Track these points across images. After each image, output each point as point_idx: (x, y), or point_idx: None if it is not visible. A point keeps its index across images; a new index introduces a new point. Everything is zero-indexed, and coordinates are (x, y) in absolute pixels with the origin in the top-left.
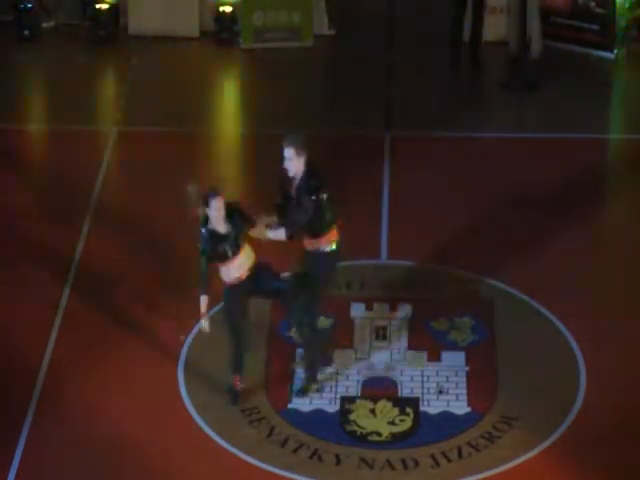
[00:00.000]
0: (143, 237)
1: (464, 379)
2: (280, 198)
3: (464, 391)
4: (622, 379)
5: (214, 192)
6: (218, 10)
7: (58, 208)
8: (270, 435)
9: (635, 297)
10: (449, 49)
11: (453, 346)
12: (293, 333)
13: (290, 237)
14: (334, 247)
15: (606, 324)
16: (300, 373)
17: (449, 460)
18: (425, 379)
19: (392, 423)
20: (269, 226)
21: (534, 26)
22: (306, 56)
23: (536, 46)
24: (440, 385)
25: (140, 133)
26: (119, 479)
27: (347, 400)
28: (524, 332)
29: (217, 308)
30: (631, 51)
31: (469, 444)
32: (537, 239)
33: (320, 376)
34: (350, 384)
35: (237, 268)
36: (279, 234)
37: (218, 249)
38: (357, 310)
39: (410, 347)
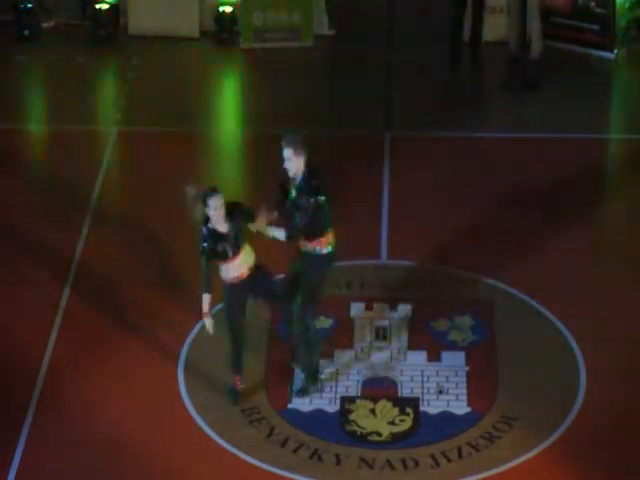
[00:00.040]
0: (143, 237)
1: (464, 379)
2: (280, 198)
3: (464, 391)
4: (622, 379)
5: (212, 191)
6: (218, 10)
7: (58, 208)
8: (270, 435)
9: (635, 297)
10: (449, 49)
11: (453, 346)
12: (294, 363)
13: (289, 238)
14: (330, 249)
15: (606, 324)
16: (300, 373)
17: (449, 460)
18: (425, 379)
19: (392, 423)
20: (270, 223)
21: (534, 26)
22: (306, 56)
23: (536, 46)
24: (440, 385)
25: (140, 133)
26: (119, 479)
27: (347, 400)
28: (524, 332)
29: (218, 307)
30: (631, 51)
31: (469, 444)
32: (537, 239)
33: (320, 376)
34: (350, 384)
35: (237, 267)
36: (279, 234)
37: (218, 248)
38: (357, 310)
39: (410, 347)
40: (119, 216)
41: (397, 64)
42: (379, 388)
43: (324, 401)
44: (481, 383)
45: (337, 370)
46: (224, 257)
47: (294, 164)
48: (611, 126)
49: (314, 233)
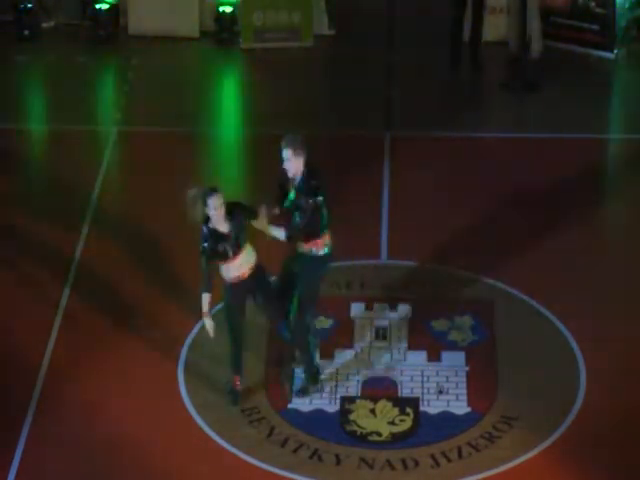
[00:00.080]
0: (143, 237)
1: (464, 379)
2: (279, 198)
3: (464, 391)
4: (622, 379)
5: (212, 191)
6: (218, 10)
7: (58, 208)
8: (270, 435)
9: (635, 297)
10: (449, 49)
11: (453, 346)
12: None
13: (289, 239)
14: (327, 251)
15: (606, 324)
16: (300, 373)
17: (449, 460)
18: (425, 379)
19: (392, 423)
20: (271, 223)
21: (534, 26)
22: (306, 56)
23: (536, 46)
24: (440, 385)
25: (140, 133)
26: (119, 479)
27: (347, 400)
28: (524, 332)
29: (218, 307)
30: (631, 51)
31: (469, 444)
32: (537, 239)
33: (320, 376)
34: (350, 384)
35: (238, 267)
36: (279, 234)
37: (218, 248)
38: (357, 310)
39: (410, 347)
40: (119, 216)
41: (397, 64)
42: (379, 388)
43: (324, 401)
44: (481, 383)
45: (337, 370)
46: (225, 257)
47: (293, 164)
48: (611, 126)
49: (311, 234)
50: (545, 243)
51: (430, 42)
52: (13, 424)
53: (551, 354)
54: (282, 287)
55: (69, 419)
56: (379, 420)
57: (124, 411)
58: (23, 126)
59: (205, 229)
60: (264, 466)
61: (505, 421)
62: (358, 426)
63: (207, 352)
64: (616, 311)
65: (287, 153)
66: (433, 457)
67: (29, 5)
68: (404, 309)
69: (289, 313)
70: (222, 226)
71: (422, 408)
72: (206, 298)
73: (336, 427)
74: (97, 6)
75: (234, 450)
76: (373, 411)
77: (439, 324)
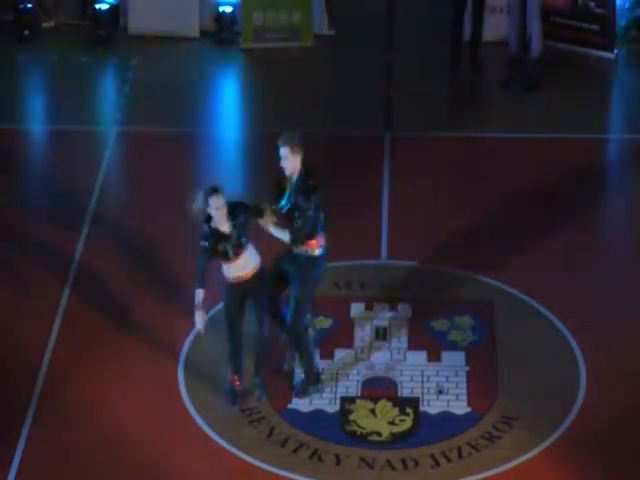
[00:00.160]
0: (143, 237)
1: (464, 379)
2: (276, 196)
3: (464, 391)
4: (622, 379)
5: (213, 191)
6: (218, 10)
7: (58, 208)
8: (270, 435)
9: (635, 297)
10: (449, 49)
11: (453, 346)
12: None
13: (293, 241)
14: (322, 251)
15: (606, 324)
16: (300, 373)
17: (449, 460)
18: (425, 379)
19: (392, 423)
20: (275, 224)
21: (534, 26)
22: (306, 56)
23: (536, 46)
24: (440, 385)
25: (140, 133)
26: (119, 479)
27: (347, 400)
28: (524, 332)
29: (218, 307)
30: (631, 51)
31: (469, 444)
32: (537, 239)
33: (320, 377)
34: (350, 384)
35: (239, 268)
36: (284, 236)
37: (219, 248)
38: (357, 310)
39: (410, 347)
40: (119, 216)
41: (397, 64)
42: (379, 388)
43: (324, 401)
44: (481, 383)
45: (337, 370)
46: (226, 257)
47: (290, 163)
48: (611, 126)
49: (307, 235)
50: (545, 243)
51: (430, 42)
52: (13, 424)
53: (551, 354)
54: (272, 286)
55: (69, 419)
56: (379, 420)
57: (124, 411)
58: (23, 126)
59: (206, 228)
60: (264, 466)
61: (505, 421)
62: (358, 426)
63: (207, 352)
64: (616, 311)
65: (284, 151)
66: (433, 457)
67: (29, 5)
68: (404, 309)
69: (280, 315)
70: (224, 226)
71: (422, 408)
72: (200, 293)
73: (336, 427)
74: (97, 6)
75: (234, 450)
76: (373, 411)
77: (439, 324)
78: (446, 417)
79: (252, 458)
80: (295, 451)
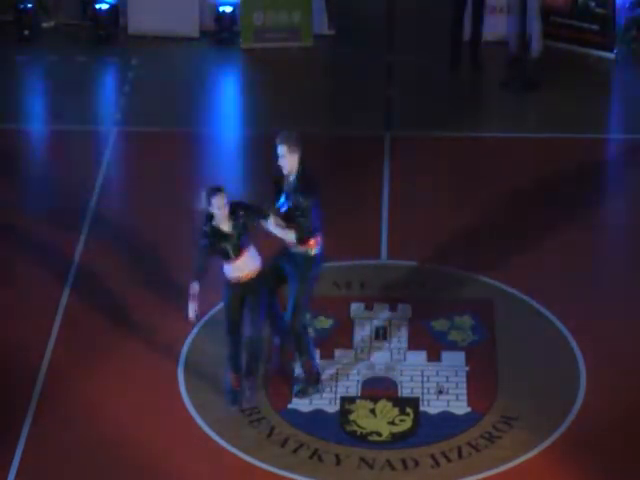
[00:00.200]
0: (143, 237)
1: (464, 379)
2: (274, 196)
3: (464, 391)
4: (622, 379)
5: (216, 190)
6: (218, 10)
7: (58, 208)
8: (270, 435)
9: (635, 297)
10: (449, 49)
11: (453, 346)
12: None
13: (300, 240)
14: (319, 251)
15: (606, 324)
16: (300, 374)
17: (449, 460)
18: (425, 379)
19: (392, 423)
20: (280, 225)
21: (535, 26)
22: (306, 56)
23: (536, 46)
24: (440, 385)
25: (140, 133)
26: (119, 479)
27: (347, 400)
28: (524, 332)
29: (218, 308)
30: (631, 51)
31: (469, 444)
32: (537, 239)
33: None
34: (350, 384)
35: (239, 269)
36: (290, 236)
37: (219, 247)
38: (357, 310)
39: (410, 347)
40: (119, 216)
41: (397, 64)
42: (379, 388)
43: (324, 401)
44: (481, 383)
45: (337, 370)
46: (226, 256)
47: (288, 161)
48: (611, 126)
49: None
50: (545, 243)
51: (430, 42)
52: (13, 424)
53: (551, 354)
54: (270, 284)
55: (69, 419)
56: (379, 420)
57: (124, 411)
58: (23, 126)
59: (207, 226)
60: (264, 466)
61: (505, 421)
62: (358, 426)
63: (207, 352)
64: (616, 311)
65: (282, 149)
66: (433, 457)
67: (29, 5)
68: (404, 309)
69: (274, 316)
70: (225, 225)
71: (422, 408)
72: (194, 286)
73: (336, 427)
74: (97, 6)
75: (234, 450)
76: (373, 411)
77: (439, 324)
78: (446, 417)
79: (252, 458)
80: (295, 451)
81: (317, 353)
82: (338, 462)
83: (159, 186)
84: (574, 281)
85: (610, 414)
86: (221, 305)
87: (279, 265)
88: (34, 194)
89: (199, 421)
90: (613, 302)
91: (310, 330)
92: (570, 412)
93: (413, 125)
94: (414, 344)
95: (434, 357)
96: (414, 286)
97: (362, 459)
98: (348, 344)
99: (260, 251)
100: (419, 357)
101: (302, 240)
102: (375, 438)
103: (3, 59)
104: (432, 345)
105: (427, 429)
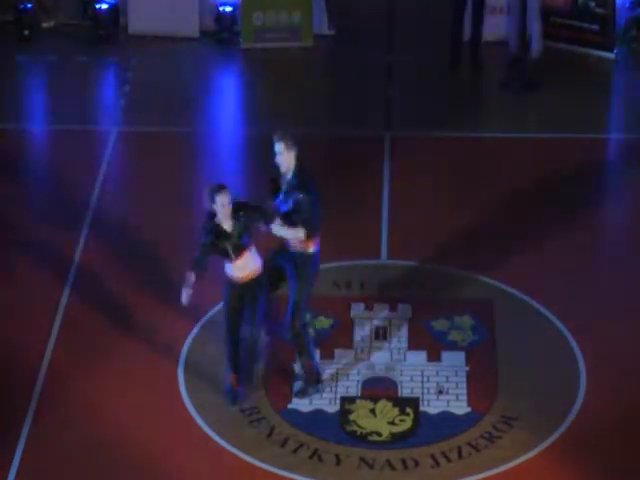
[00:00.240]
0: (143, 237)
1: (464, 379)
2: (271, 193)
3: (464, 391)
4: (622, 379)
5: (220, 188)
6: (218, 10)
7: (58, 208)
8: (270, 435)
9: (635, 297)
10: (449, 49)
11: (453, 346)
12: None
13: (309, 236)
14: (317, 249)
15: (606, 324)
16: (300, 375)
17: (449, 460)
18: (425, 379)
19: (392, 423)
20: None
21: (535, 27)
22: (306, 56)
23: (536, 46)
24: (440, 385)
25: (140, 133)
26: (119, 479)
27: (347, 400)
28: (524, 332)
29: (218, 308)
30: (631, 51)
31: (469, 444)
32: (537, 239)
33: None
34: (350, 384)
35: (239, 269)
36: (298, 234)
37: (219, 245)
38: (357, 310)
39: (410, 347)
40: (119, 216)
41: (397, 64)
42: (379, 388)
43: (324, 401)
44: (481, 383)
45: (337, 370)
46: (226, 255)
47: (285, 159)
48: (611, 126)
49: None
50: (545, 243)
51: (430, 42)
52: (13, 424)
53: (551, 354)
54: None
55: (69, 419)
56: (379, 420)
57: (124, 411)
58: (23, 126)
59: (209, 224)
60: (264, 466)
61: (505, 421)
62: (358, 426)
63: (207, 352)
64: (616, 311)
65: (279, 147)
66: (433, 457)
67: (29, 5)
68: (404, 309)
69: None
70: (227, 224)
71: (422, 408)
72: (190, 275)
73: (336, 427)
74: (97, 6)
75: (234, 450)
76: (373, 411)
77: (439, 324)
78: (446, 417)
79: (252, 458)
80: (295, 451)
81: (317, 353)
82: (338, 462)
83: (159, 186)
84: (574, 281)
85: (610, 414)
86: (221, 305)
87: (277, 265)
88: (34, 194)
89: (199, 421)
90: (613, 302)
91: (310, 330)
92: (570, 412)
93: (413, 125)
94: (414, 344)
95: (434, 357)
96: (414, 286)
97: (362, 459)
98: (348, 344)
99: (260, 252)
100: (419, 357)
101: (310, 235)
102: (375, 438)
103: (3, 59)
104: (432, 345)
105: (427, 429)
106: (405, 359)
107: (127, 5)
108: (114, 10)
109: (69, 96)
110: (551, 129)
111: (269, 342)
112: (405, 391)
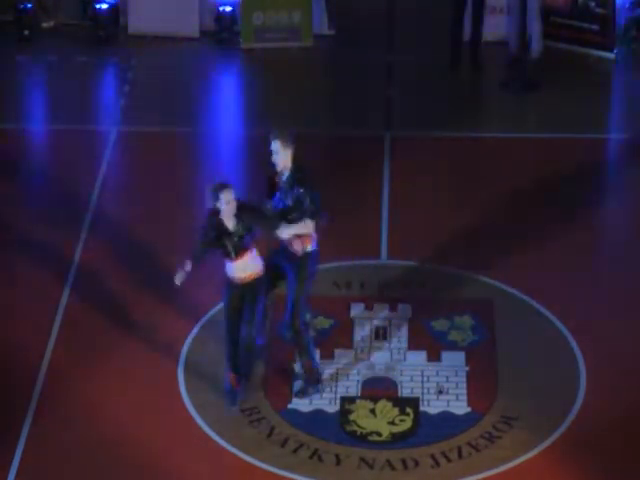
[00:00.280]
0: (143, 237)
1: (464, 379)
2: (268, 191)
3: (464, 391)
4: (622, 379)
5: (224, 185)
6: (218, 10)
7: (58, 208)
8: (270, 435)
9: (635, 297)
10: (449, 49)
11: (453, 346)
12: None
13: (317, 223)
14: (315, 246)
15: (606, 324)
16: (300, 375)
17: (449, 460)
18: (425, 379)
19: (392, 423)
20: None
21: (535, 27)
22: (306, 56)
23: (536, 46)
24: (440, 385)
25: (140, 133)
26: (119, 479)
27: (347, 400)
28: (524, 332)
29: (218, 307)
30: (631, 51)
31: (469, 444)
32: (537, 239)
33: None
34: (350, 384)
35: (239, 269)
36: (307, 225)
37: (220, 242)
38: (357, 310)
39: (410, 347)
40: (119, 216)
41: (397, 64)
42: (379, 388)
43: (324, 401)
44: (481, 383)
45: (337, 370)
46: (226, 253)
47: (282, 157)
48: (611, 126)
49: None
50: (545, 243)
51: (430, 42)
52: (13, 424)
53: (551, 354)
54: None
55: (69, 419)
56: (379, 420)
57: (124, 411)
58: (23, 126)
59: (212, 219)
60: (264, 466)
61: (505, 421)
62: (358, 426)
63: (207, 352)
64: (616, 311)
65: (276, 145)
66: (433, 457)
67: (29, 5)
68: (404, 309)
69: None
70: (229, 222)
71: (422, 408)
72: (188, 262)
73: (336, 427)
74: (97, 6)
75: (234, 450)
76: (373, 411)
77: (439, 324)
78: (446, 417)
79: (252, 458)
80: (295, 451)
81: (317, 353)
82: (338, 462)
83: (159, 186)
84: (574, 281)
85: (610, 414)
86: (221, 305)
87: (276, 264)
88: (34, 194)
89: (199, 421)
90: (613, 302)
91: (311, 330)
92: (570, 412)
93: (413, 125)
94: (414, 344)
95: (434, 357)
96: (414, 286)
97: (362, 459)
98: (348, 344)
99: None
100: (419, 357)
101: (319, 224)
102: (375, 438)
103: (3, 59)
104: (432, 345)
105: (427, 429)
106: (405, 359)
107: (127, 5)
108: (114, 10)
109: (69, 96)
110: (551, 129)
111: (269, 342)
112: (405, 391)
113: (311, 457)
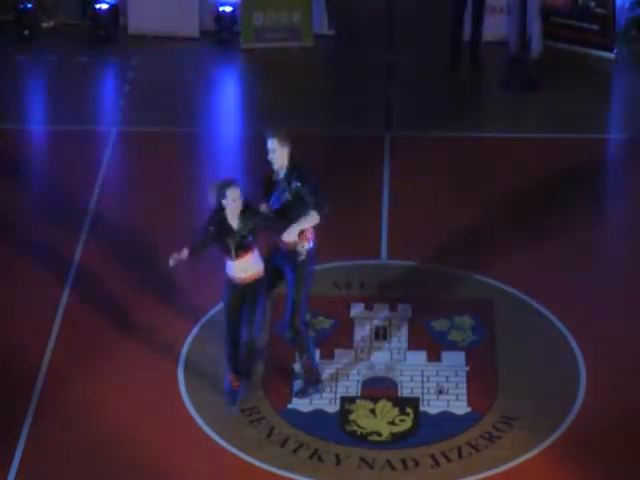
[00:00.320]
0: (143, 237)
1: (464, 379)
2: (265, 193)
3: (464, 391)
4: (622, 379)
5: (230, 183)
6: (218, 10)
7: (58, 208)
8: (270, 435)
9: (635, 297)
10: (449, 49)
11: (453, 346)
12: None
13: (321, 216)
14: (312, 244)
15: (606, 324)
16: (300, 375)
17: (449, 460)
18: (425, 379)
19: (392, 423)
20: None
21: (535, 26)
22: (306, 56)
23: (536, 46)
24: (440, 385)
25: (140, 133)
26: (119, 479)
27: (347, 400)
28: (524, 332)
29: (218, 307)
30: (631, 51)
31: (469, 444)
32: (537, 239)
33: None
34: (350, 384)
35: (240, 269)
36: (312, 218)
37: (221, 238)
38: (357, 310)
39: (410, 347)
40: (119, 216)
41: (397, 64)
42: (379, 388)
43: (324, 401)
44: (481, 383)
45: (337, 370)
46: (226, 251)
47: (278, 156)
48: (611, 126)
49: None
50: (545, 243)
51: (430, 42)
52: (13, 424)
53: (551, 354)
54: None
55: (69, 419)
56: (379, 420)
57: (124, 411)
58: (23, 126)
59: (216, 215)
60: (264, 466)
61: (505, 421)
62: (358, 426)
63: (207, 352)
64: (616, 311)
65: (273, 143)
66: (433, 457)
67: (29, 5)
68: (404, 309)
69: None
70: (233, 221)
71: (422, 408)
72: (185, 250)
73: (336, 427)
74: (97, 6)
75: (234, 450)
76: (373, 411)
77: (439, 324)
78: (446, 417)
79: (252, 458)
80: (295, 451)
81: (317, 353)
82: (338, 462)
83: (159, 186)
84: (574, 281)
85: (610, 414)
86: (221, 305)
87: (274, 263)
88: (34, 194)
89: (199, 421)
90: (613, 302)
91: (310, 330)
92: (570, 412)
93: (413, 125)
94: (414, 344)
95: (434, 357)
96: (414, 286)
97: (362, 459)
98: (348, 344)
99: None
100: (419, 357)
101: (323, 214)
102: (375, 438)
103: (3, 59)
104: (432, 345)
105: (427, 429)
106: (405, 359)
107: (127, 5)
108: (114, 10)
109: (69, 96)
110: (551, 129)
111: (268, 342)
112: (405, 391)
113: (311, 457)
